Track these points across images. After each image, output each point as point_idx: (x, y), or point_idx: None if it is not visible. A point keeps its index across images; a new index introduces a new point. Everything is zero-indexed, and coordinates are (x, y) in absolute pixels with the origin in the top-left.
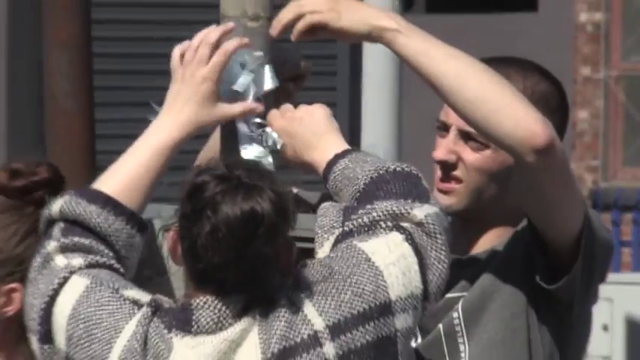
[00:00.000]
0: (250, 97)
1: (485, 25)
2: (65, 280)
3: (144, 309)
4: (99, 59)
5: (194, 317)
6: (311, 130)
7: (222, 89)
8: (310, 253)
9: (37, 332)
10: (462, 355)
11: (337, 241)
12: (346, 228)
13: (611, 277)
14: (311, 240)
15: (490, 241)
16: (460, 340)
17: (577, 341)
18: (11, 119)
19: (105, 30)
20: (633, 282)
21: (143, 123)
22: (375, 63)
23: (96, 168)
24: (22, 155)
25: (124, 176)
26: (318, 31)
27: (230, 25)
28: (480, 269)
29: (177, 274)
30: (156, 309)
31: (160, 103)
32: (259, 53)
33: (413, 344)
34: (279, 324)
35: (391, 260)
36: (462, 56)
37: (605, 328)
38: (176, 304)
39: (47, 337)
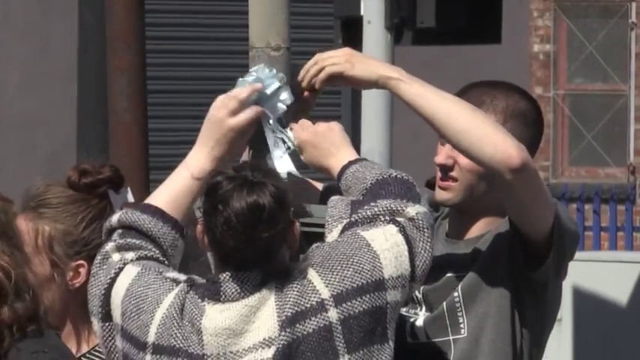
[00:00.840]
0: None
1: (460, 54)
2: (120, 270)
3: (181, 285)
4: (152, 81)
5: (222, 288)
6: (330, 142)
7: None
8: (322, 237)
9: (98, 313)
10: (462, 326)
11: (344, 229)
12: (352, 219)
13: None
14: (323, 226)
15: (481, 228)
16: (460, 314)
17: (551, 311)
18: (81, 131)
19: (157, 58)
20: (578, 259)
21: (188, 132)
22: None
23: (149, 168)
24: (89, 159)
25: (166, 196)
26: (336, 79)
27: (258, 85)
28: (475, 253)
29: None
30: (191, 285)
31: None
32: (281, 74)
33: (420, 316)
34: (293, 293)
35: (386, 247)
36: (451, 98)
37: None
38: (208, 280)
39: (107, 316)
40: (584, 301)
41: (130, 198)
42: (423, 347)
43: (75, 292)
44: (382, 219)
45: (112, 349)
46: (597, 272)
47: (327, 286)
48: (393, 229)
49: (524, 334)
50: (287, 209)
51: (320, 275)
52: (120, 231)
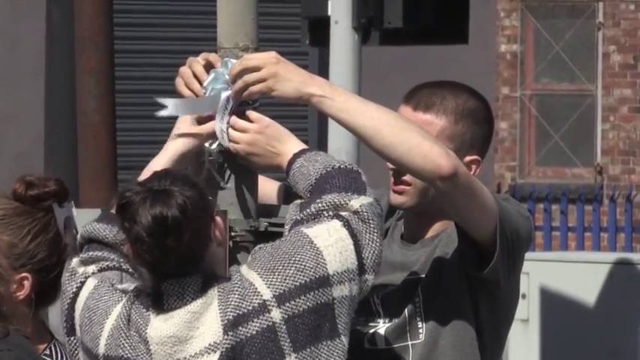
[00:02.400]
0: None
1: (427, 54)
2: (82, 283)
3: (128, 295)
4: (120, 81)
5: (164, 297)
6: (268, 142)
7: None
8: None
9: (64, 328)
10: (420, 331)
11: (290, 229)
12: (297, 217)
13: (527, 255)
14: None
15: (437, 229)
16: (419, 319)
17: (507, 307)
18: (49, 130)
19: (125, 58)
20: (545, 259)
21: (156, 132)
22: (339, 80)
23: (118, 167)
24: (57, 158)
25: None
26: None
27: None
28: (430, 255)
29: None
30: (137, 294)
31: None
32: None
33: (381, 326)
34: (234, 296)
35: (330, 242)
36: (376, 111)
37: (524, 296)
38: (152, 289)
39: (71, 330)
40: (552, 301)
41: (74, 212)
42: (381, 353)
43: (19, 305)
44: (326, 214)
45: None
46: (564, 272)
47: (268, 287)
48: (336, 224)
49: (483, 333)
50: (196, 210)
51: (261, 276)
52: (85, 246)
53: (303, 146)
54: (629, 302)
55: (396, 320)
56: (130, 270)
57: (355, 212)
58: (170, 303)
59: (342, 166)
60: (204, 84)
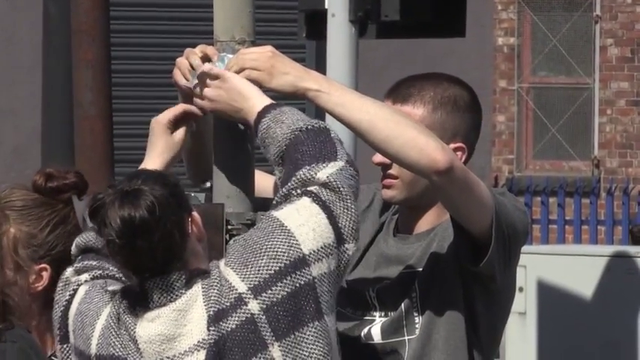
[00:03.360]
0: None
1: (424, 47)
2: (75, 291)
3: (117, 295)
4: (117, 74)
5: (149, 296)
6: (232, 95)
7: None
8: None
9: (57, 335)
10: (417, 326)
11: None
12: (273, 202)
13: (524, 248)
14: None
15: (431, 221)
16: (416, 313)
17: (503, 302)
18: (46, 124)
19: (122, 51)
20: (542, 252)
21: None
22: (336, 73)
23: (114, 160)
24: (54, 151)
25: None
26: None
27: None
28: (426, 248)
29: None
30: (125, 294)
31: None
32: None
33: (377, 321)
34: (214, 291)
35: (301, 222)
36: (372, 105)
37: (521, 289)
38: (137, 288)
39: (65, 338)
40: (549, 294)
41: None
42: (377, 347)
43: (37, 296)
44: (294, 193)
45: None
46: (562, 265)
47: (242, 281)
48: (305, 201)
49: (479, 327)
50: (166, 209)
51: (234, 271)
52: (80, 256)
53: (267, 101)
54: (626, 295)
55: (393, 315)
56: (124, 278)
57: (323, 184)
58: (155, 301)
59: (309, 127)
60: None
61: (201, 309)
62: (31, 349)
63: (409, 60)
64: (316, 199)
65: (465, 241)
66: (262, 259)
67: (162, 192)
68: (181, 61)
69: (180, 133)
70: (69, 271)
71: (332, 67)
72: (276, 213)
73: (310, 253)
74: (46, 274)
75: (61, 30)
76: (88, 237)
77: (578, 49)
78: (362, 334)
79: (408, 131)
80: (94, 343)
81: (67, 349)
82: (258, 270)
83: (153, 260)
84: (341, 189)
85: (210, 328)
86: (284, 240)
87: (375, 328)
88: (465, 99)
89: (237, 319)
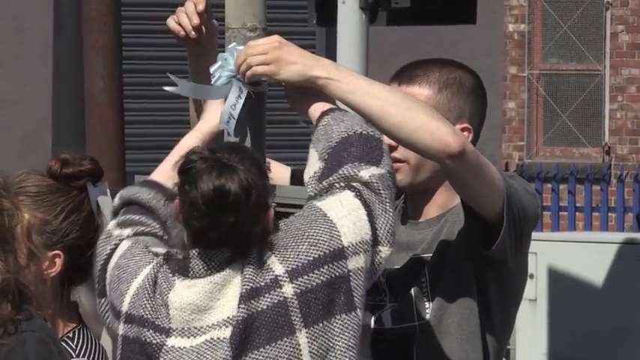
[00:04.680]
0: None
1: (434, 34)
2: (116, 246)
3: (158, 258)
4: (128, 61)
5: (190, 264)
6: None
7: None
8: None
9: (96, 289)
10: (427, 311)
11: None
12: (311, 193)
13: (535, 235)
14: (298, 207)
15: (441, 205)
16: (426, 298)
17: (515, 286)
18: (57, 111)
19: (133, 37)
20: (553, 239)
21: (164, 112)
22: (346, 60)
23: (125, 147)
24: (64, 139)
25: (166, 170)
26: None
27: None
28: (437, 234)
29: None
30: (167, 259)
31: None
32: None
33: (387, 306)
34: (249, 270)
35: (343, 214)
36: (383, 90)
37: (532, 276)
38: (182, 255)
39: (102, 292)
40: (559, 281)
41: (107, 192)
42: (388, 333)
43: (49, 283)
44: (337, 186)
45: (108, 325)
46: (572, 252)
47: (281, 263)
48: (348, 194)
49: (491, 312)
50: (258, 195)
51: (274, 253)
52: (123, 209)
53: (331, 105)
54: (637, 282)
55: (403, 300)
56: (165, 237)
57: (365, 183)
58: (195, 271)
59: (363, 132)
60: (211, 70)
61: (237, 286)
62: (50, 339)
63: (420, 47)
64: (358, 194)
65: (476, 225)
66: (303, 245)
67: (258, 178)
68: (178, 9)
69: None
70: (112, 223)
71: (342, 54)
72: (318, 203)
73: (349, 246)
74: (59, 261)
75: (71, 17)
76: (136, 190)
77: (588, 35)
78: (372, 319)
79: (419, 116)
80: (126, 300)
81: (105, 303)
82: (298, 255)
83: (221, 236)
84: (381, 191)
85: (240, 306)
86: (326, 229)
87: (386, 313)
88: (470, 82)
89: (269, 300)
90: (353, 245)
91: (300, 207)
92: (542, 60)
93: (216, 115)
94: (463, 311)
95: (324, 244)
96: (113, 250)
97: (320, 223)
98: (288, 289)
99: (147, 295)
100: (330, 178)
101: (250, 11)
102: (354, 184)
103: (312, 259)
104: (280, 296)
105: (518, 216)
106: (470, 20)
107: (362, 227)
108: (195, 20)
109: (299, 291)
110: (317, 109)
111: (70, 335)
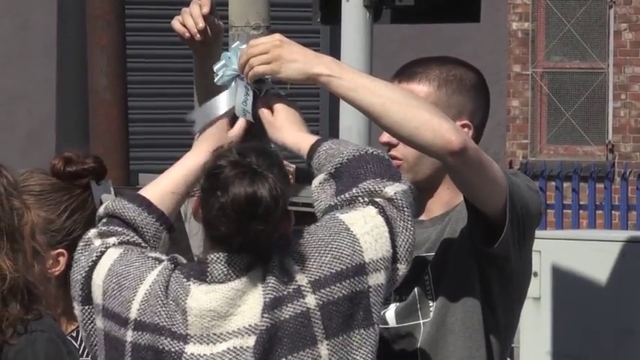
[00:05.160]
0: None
1: (438, 32)
2: (102, 253)
3: (164, 263)
4: (132, 59)
5: (209, 269)
6: (291, 120)
7: (221, 79)
8: (306, 217)
9: (78, 297)
10: (431, 309)
11: (324, 213)
12: (332, 203)
13: (539, 233)
14: (308, 205)
15: (443, 205)
16: (430, 297)
17: (519, 284)
18: (61, 108)
19: (137, 35)
20: (557, 237)
21: (168, 110)
22: (350, 58)
23: (129, 145)
24: (68, 137)
25: (161, 188)
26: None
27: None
28: (440, 233)
29: (197, 235)
30: (175, 263)
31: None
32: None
33: (392, 305)
34: (272, 279)
35: (366, 230)
36: (385, 88)
37: (535, 274)
38: (194, 260)
39: (87, 299)
40: (563, 279)
41: (111, 190)
42: (392, 331)
43: (52, 282)
44: (361, 200)
45: (91, 332)
46: (576, 251)
47: (304, 273)
48: (372, 210)
49: (494, 310)
50: (281, 206)
51: (297, 262)
52: (105, 220)
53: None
54: None
55: (406, 299)
56: (148, 247)
57: (390, 199)
58: (214, 276)
59: (374, 152)
60: (215, 69)
61: (259, 294)
62: (60, 339)
63: (424, 45)
64: (382, 211)
65: (479, 222)
66: (326, 257)
67: (284, 185)
68: (183, 10)
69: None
70: (92, 232)
71: (346, 52)
72: (341, 216)
73: (370, 262)
74: (62, 259)
75: (75, 15)
76: (122, 205)
77: (592, 33)
78: None
79: (421, 113)
80: (134, 307)
81: (89, 310)
82: (321, 266)
83: (243, 244)
84: (404, 209)
85: (265, 315)
86: (349, 244)
87: (390, 312)
88: (471, 79)
89: (292, 310)
90: (374, 262)
91: (308, 205)
92: (546, 58)
93: (204, 154)
94: (467, 309)
95: (346, 258)
96: (99, 257)
97: (343, 236)
98: (311, 300)
99: (160, 301)
100: (353, 191)
101: (254, 9)
102: (378, 199)
103: (334, 271)
104: (303, 306)
105: (521, 213)
106: (474, 18)
107: (383, 244)
108: (201, 24)
109: (321, 302)
110: (305, 140)
111: (74, 335)
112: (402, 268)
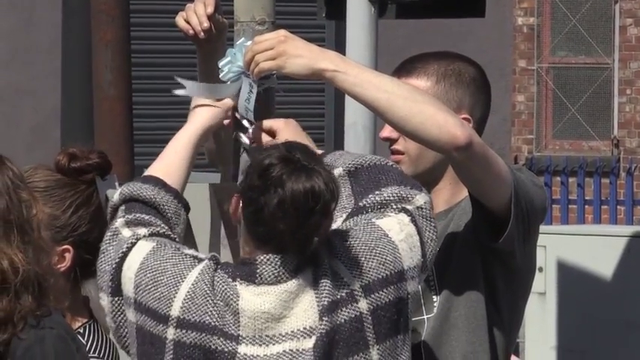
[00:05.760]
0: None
1: (443, 27)
2: (133, 245)
3: (205, 262)
4: (136, 54)
5: (258, 270)
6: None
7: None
8: None
9: (108, 287)
10: (435, 304)
11: (352, 214)
12: (360, 204)
13: (544, 228)
14: None
15: (446, 200)
16: (433, 292)
17: (523, 279)
18: (65, 104)
19: (142, 31)
20: (562, 232)
21: (172, 105)
22: (355, 53)
23: (134, 141)
24: (73, 132)
25: (165, 165)
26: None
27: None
28: (444, 228)
29: (213, 229)
30: (217, 262)
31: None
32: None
33: None
34: (326, 282)
35: (402, 237)
36: (390, 83)
37: (540, 269)
38: (244, 260)
39: (117, 291)
40: (568, 274)
41: (116, 185)
42: None
43: (59, 278)
44: (393, 207)
45: (121, 323)
46: (581, 246)
47: (354, 277)
48: (405, 218)
49: (499, 305)
50: (337, 200)
51: (346, 266)
52: (124, 207)
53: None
54: None
55: None
56: (177, 239)
57: (419, 208)
58: (264, 277)
59: (394, 165)
60: (220, 65)
61: (312, 296)
62: (69, 335)
63: (429, 40)
64: (413, 220)
65: (483, 217)
66: (372, 262)
67: (335, 183)
68: (188, 7)
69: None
70: (119, 221)
71: (351, 47)
72: (378, 221)
73: (408, 270)
74: (68, 256)
75: (80, 10)
76: (139, 187)
77: (597, 28)
78: None
79: (426, 108)
80: (176, 305)
81: (119, 302)
82: (369, 271)
83: (298, 241)
84: (431, 220)
85: (324, 318)
86: (390, 250)
87: None
88: (471, 73)
89: (347, 314)
90: (410, 269)
91: None
92: (552, 53)
93: (201, 115)
94: (470, 304)
95: (390, 264)
96: (129, 249)
97: (384, 242)
98: (363, 305)
99: (209, 301)
100: (386, 195)
101: (259, 4)
102: (409, 207)
103: (381, 277)
104: (357, 311)
105: (526, 208)
106: (479, 13)
107: (416, 253)
108: (206, 24)
109: (372, 307)
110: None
111: (81, 331)
112: (423, 278)
